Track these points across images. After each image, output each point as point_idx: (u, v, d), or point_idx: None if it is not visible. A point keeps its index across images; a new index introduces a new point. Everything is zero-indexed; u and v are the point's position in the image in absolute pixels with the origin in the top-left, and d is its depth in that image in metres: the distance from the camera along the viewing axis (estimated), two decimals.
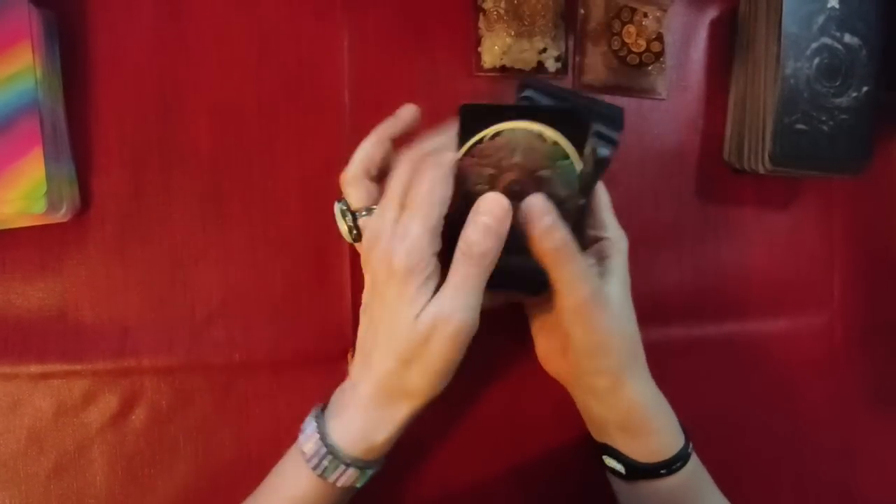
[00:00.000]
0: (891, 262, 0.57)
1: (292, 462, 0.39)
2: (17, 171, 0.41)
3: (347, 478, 0.37)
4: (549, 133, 0.36)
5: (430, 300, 0.34)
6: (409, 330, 0.35)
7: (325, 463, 0.37)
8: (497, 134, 0.36)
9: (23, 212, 0.41)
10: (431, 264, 0.35)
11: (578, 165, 0.37)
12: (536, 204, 0.35)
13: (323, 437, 0.37)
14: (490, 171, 0.37)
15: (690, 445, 0.42)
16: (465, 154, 0.37)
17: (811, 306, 0.55)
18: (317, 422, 0.38)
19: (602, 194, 0.42)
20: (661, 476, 0.41)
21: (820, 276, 0.55)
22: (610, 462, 0.43)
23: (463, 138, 0.37)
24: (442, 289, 0.35)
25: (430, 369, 0.35)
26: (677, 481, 0.42)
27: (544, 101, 0.39)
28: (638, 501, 0.44)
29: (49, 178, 0.41)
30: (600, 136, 0.39)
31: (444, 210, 0.35)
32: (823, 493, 0.55)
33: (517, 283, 0.40)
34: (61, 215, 0.43)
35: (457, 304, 0.34)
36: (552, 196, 0.36)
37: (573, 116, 0.36)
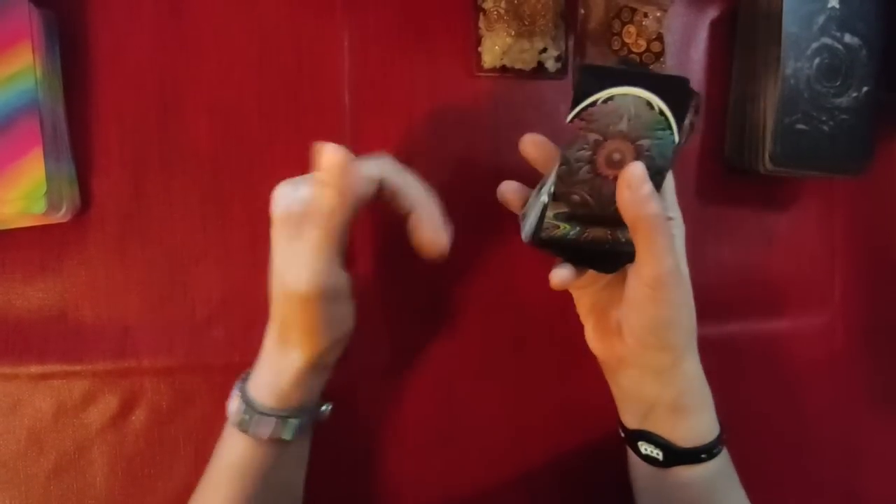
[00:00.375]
0: (891, 262, 0.57)
1: (227, 430, 0.40)
2: (17, 171, 0.41)
3: (267, 427, 0.38)
4: (658, 102, 0.37)
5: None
6: (274, 285, 0.38)
7: (245, 417, 0.38)
8: (610, 98, 0.37)
9: (23, 212, 0.41)
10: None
11: (676, 137, 0.37)
12: (637, 172, 0.36)
13: (242, 394, 0.39)
14: (595, 136, 0.37)
15: (724, 433, 0.43)
16: (576, 117, 0.37)
17: (812, 306, 0.55)
18: (240, 383, 0.40)
19: (670, 178, 0.42)
20: (700, 461, 0.41)
21: (821, 276, 0.55)
22: (646, 448, 0.43)
23: (577, 100, 0.37)
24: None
25: (303, 264, 0.36)
26: (711, 469, 0.42)
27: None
28: (668, 491, 0.43)
29: (49, 178, 0.41)
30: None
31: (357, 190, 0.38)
32: (826, 493, 0.55)
33: (597, 258, 0.41)
34: (61, 215, 0.43)
35: (296, 270, 0.36)
36: (650, 167, 0.37)
37: (682, 87, 0.37)
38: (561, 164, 0.38)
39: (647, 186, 0.36)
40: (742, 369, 0.54)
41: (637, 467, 0.45)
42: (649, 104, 0.37)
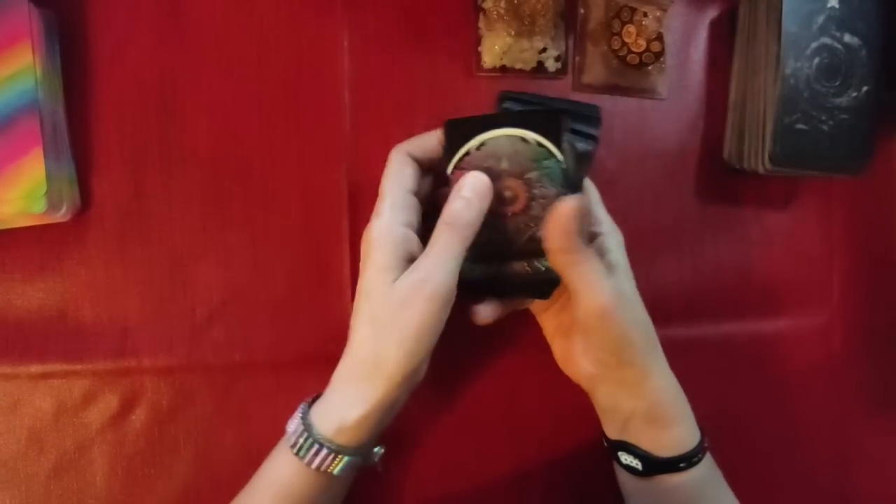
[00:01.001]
0: (891, 262, 0.57)
1: (280, 446, 0.39)
2: (17, 170, 0.41)
3: (321, 460, 0.37)
4: (531, 135, 0.38)
5: (408, 269, 0.36)
6: (385, 294, 0.36)
7: (301, 441, 0.37)
8: (482, 144, 0.38)
9: (23, 211, 0.41)
10: (401, 233, 0.37)
11: (561, 161, 0.38)
12: (557, 215, 0.37)
13: (304, 416, 0.38)
14: None
15: (706, 441, 0.43)
16: (455, 168, 0.39)
17: (811, 306, 0.55)
18: (305, 405, 0.39)
19: (592, 190, 0.43)
20: (679, 470, 0.41)
21: (820, 276, 0.55)
22: (626, 459, 0.43)
23: (450, 153, 0.39)
24: (421, 257, 0.37)
25: (404, 334, 0.36)
26: (694, 476, 0.42)
27: (520, 108, 0.41)
28: (652, 499, 0.44)
29: (49, 177, 0.41)
30: (580, 133, 0.42)
31: (407, 184, 0.39)
32: (821, 493, 0.55)
33: (523, 289, 0.41)
34: (61, 215, 0.43)
35: (435, 269, 0.36)
36: (543, 196, 0.38)
37: (545, 115, 0.38)
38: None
39: (561, 227, 0.36)
40: (740, 369, 0.54)
41: (622, 476, 0.45)
42: (523, 139, 0.38)
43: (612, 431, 0.44)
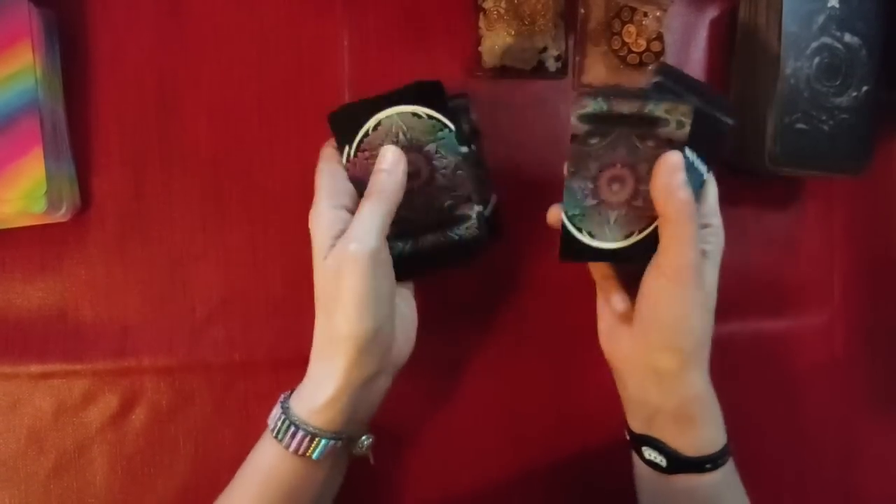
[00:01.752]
0: (891, 262, 0.57)
1: (265, 435, 0.39)
2: (17, 170, 0.41)
3: (297, 443, 0.37)
4: (422, 109, 0.39)
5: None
6: (322, 273, 0.37)
7: (279, 424, 0.38)
8: (378, 124, 0.39)
9: (23, 211, 0.41)
10: (332, 215, 0.38)
11: (453, 129, 0.40)
12: (672, 160, 0.37)
13: (283, 401, 0.39)
14: None
15: (730, 445, 0.42)
16: (356, 153, 0.40)
17: (811, 306, 0.55)
18: (288, 392, 0.39)
19: (712, 184, 0.41)
20: (704, 471, 0.41)
21: (820, 275, 0.55)
22: (650, 454, 0.42)
23: (347, 140, 0.40)
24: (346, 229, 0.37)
25: (344, 303, 0.36)
26: (716, 478, 0.41)
27: (674, 87, 0.40)
28: (672, 498, 0.43)
29: (49, 177, 0.41)
30: (715, 119, 0.41)
31: (337, 170, 0.40)
32: (825, 493, 0.55)
33: (443, 260, 0.42)
34: (61, 215, 0.43)
35: (354, 234, 0.36)
36: (444, 166, 0.40)
37: (427, 88, 0.39)
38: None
39: (681, 175, 0.36)
40: (741, 369, 0.54)
41: (641, 471, 0.44)
42: (415, 114, 0.39)
43: (638, 425, 0.43)
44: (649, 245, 0.39)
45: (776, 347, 0.54)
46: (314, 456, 0.37)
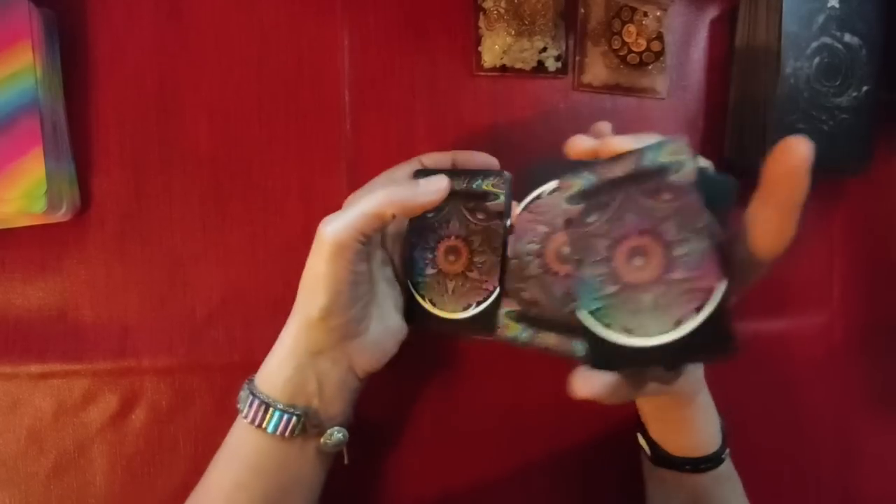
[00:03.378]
0: (891, 262, 0.57)
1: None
2: (17, 170, 0.41)
3: (254, 412, 0.37)
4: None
5: None
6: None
7: (242, 394, 0.39)
8: (556, 189, 0.35)
9: (23, 211, 0.41)
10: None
11: None
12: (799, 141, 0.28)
13: (251, 377, 0.40)
14: (544, 229, 0.36)
15: (726, 452, 0.43)
16: (524, 209, 0.37)
17: (811, 306, 0.55)
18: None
19: None
20: (684, 470, 0.42)
21: (820, 275, 0.55)
22: (641, 441, 0.45)
23: (526, 191, 0.37)
24: None
25: (304, 279, 0.37)
26: (700, 481, 0.42)
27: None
28: (660, 486, 0.45)
29: (49, 177, 0.41)
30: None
31: (395, 174, 0.41)
32: (823, 492, 0.55)
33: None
34: (61, 215, 0.43)
35: (334, 219, 0.36)
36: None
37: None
38: (510, 258, 0.37)
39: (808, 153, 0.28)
40: (740, 369, 0.54)
41: (643, 457, 0.46)
42: None
43: (639, 412, 0.45)
44: (488, 319, 0.38)
45: (775, 347, 0.54)
46: (269, 428, 0.37)
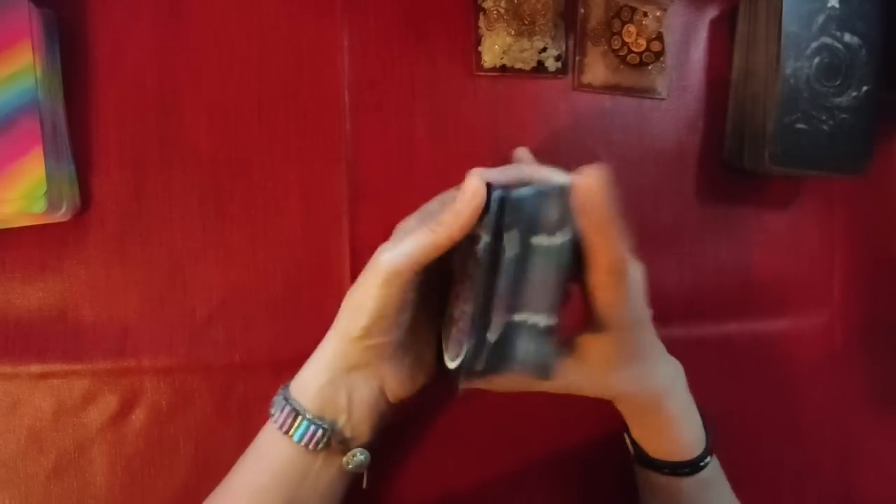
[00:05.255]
0: (891, 262, 0.57)
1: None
2: (16, 170, 0.41)
3: (284, 417, 0.38)
4: None
5: None
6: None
7: (275, 399, 0.39)
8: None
9: (23, 211, 0.41)
10: (409, 227, 0.38)
11: None
12: (592, 173, 0.32)
13: (287, 384, 0.40)
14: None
15: (708, 459, 0.43)
16: None
17: (811, 306, 0.55)
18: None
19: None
20: (663, 473, 0.42)
21: (820, 275, 0.55)
22: (627, 441, 0.45)
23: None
24: None
25: (351, 299, 0.38)
26: (680, 484, 0.42)
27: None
28: (645, 486, 0.45)
29: (49, 177, 0.41)
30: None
31: (444, 200, 0.40)
32: (824, 493, 0.55)
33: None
34: (61, 215, 0.43)
35: (393, 248, 0.36)
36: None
37: None
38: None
39: (597, 182, 0.33)
40: (740, 369, 0.54)
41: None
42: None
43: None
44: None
45: (775, 347, 0.54)
46: (295, 437, 0.38)
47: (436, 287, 0.41)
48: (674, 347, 0.43)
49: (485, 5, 0.48)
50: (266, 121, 0.47)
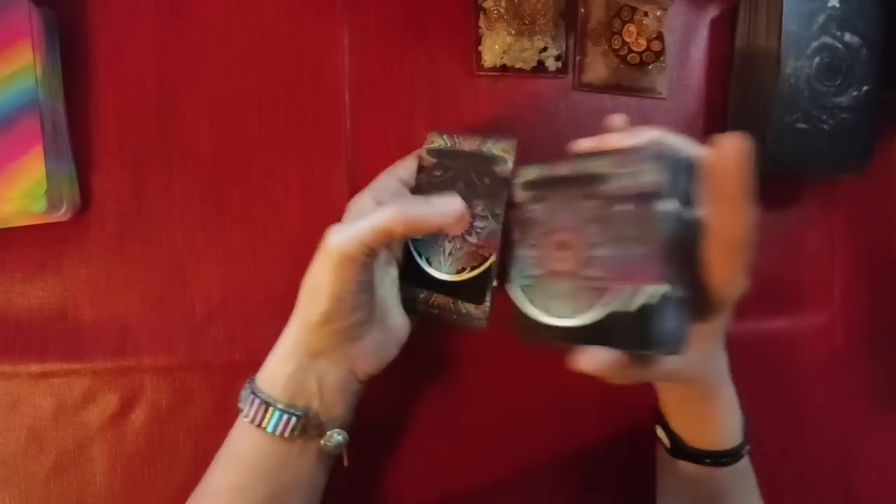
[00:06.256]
0: (891, 262, 0.56)
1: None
2: (17, 169, 0.41)
3: (255, 411, 0.37)
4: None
5: None
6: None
7: (243, 394, 0.39)
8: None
9: (23, 210, 0.41)
10: (364, 203, 0.39)
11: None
12: (732, 141, 0.30)
13: (254, 376, 0.40)
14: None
15: (746, 449, 0.43)
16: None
17: (812, 306, 0.55)
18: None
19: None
20: (704, 463, 0.42)
21: (820, 275, 0.55)
22: (660, 433, 0.44)
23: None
24: None
25: (306, 285, 0.37)
26: (718, 475, 0.42)
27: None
28: (676, 479, 0.44)
29: (49, 176, 0.41)
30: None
31: (397, 173, 0.42)
32: (824, 493, 0.55)
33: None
34: (61, 214, 0.43)
35: (342, 230, 0.36)
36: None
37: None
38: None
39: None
40: (741, 369, 0.53)
41: (658, 449, 0.46)
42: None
43: (661, 403, 0.45)
44: (479, 288, 0.37)
45: (776, 347, 0.54)
46: (269, 428, 0.37)
47: (401, 249, 0.42)
48: None
49: (485, 5, 0.48)
50: (266, 120, 0.47)
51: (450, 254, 0.40)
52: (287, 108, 0.47)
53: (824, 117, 0.48)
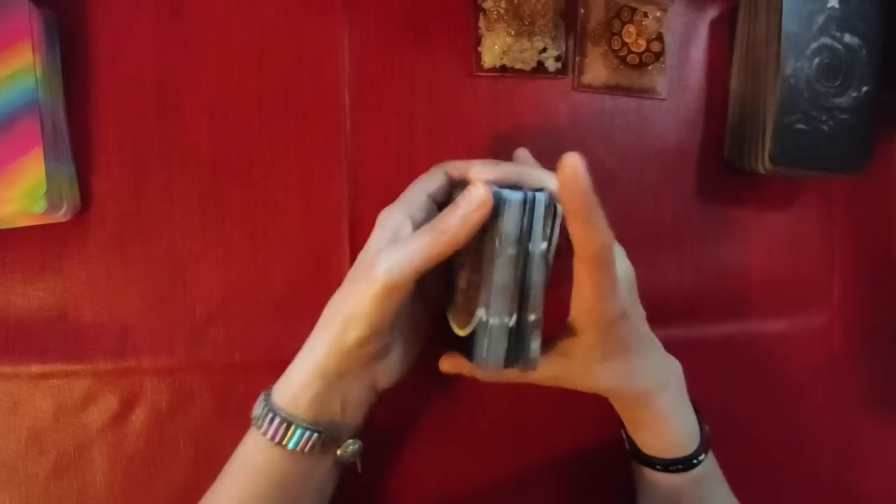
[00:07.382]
0: (891, 262, 0.57)
1: (251, 427, 0.39)
2: (17, 170, 0.41)
3: (274, 430, 0.37)
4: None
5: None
6: (355, 267, 0.38)
7: (259, 410, 0.38)
8: None
9: (23, 211, 0.41)
10: (398, 219, 0.38)
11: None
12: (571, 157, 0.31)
13: (268, 390, 0.39)
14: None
15: (702, 456, 0.42)
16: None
17: (811, 306, 0.55)
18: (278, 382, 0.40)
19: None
20: (656, 469, 0.43)
21: (820, 276, 0.55)
22: (624, 436, 0.45)
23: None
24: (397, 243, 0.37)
25: (343, 307, 0.36)
26: (672, 481, 0.42)
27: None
28: (640, 482, 0.45)
29: (49, 177, 0.41)
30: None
31: (428, 188, 0.40)
32: (823, 494, 0.55)
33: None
34: (61, 215, 0.43)
35: (393, 260, 0.35)
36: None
37: None
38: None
39: (581, 168, 0.31)
40: (740, 369, 0.54)
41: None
42: None
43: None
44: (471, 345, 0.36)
45: (775, 347, 0.54)
46: (290, 445, 0.37)
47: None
48: (673, 348, 0.43)
49: (485, 5, 0.48)
50: (266, 120, 0.47)
51: (459, 307, 0.39)
52: (287, 108, 0.47)
53: (824, 118, 0.48)
